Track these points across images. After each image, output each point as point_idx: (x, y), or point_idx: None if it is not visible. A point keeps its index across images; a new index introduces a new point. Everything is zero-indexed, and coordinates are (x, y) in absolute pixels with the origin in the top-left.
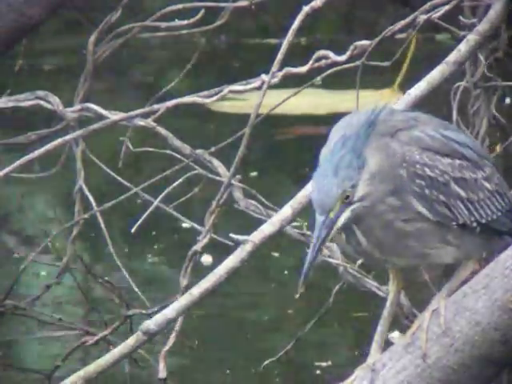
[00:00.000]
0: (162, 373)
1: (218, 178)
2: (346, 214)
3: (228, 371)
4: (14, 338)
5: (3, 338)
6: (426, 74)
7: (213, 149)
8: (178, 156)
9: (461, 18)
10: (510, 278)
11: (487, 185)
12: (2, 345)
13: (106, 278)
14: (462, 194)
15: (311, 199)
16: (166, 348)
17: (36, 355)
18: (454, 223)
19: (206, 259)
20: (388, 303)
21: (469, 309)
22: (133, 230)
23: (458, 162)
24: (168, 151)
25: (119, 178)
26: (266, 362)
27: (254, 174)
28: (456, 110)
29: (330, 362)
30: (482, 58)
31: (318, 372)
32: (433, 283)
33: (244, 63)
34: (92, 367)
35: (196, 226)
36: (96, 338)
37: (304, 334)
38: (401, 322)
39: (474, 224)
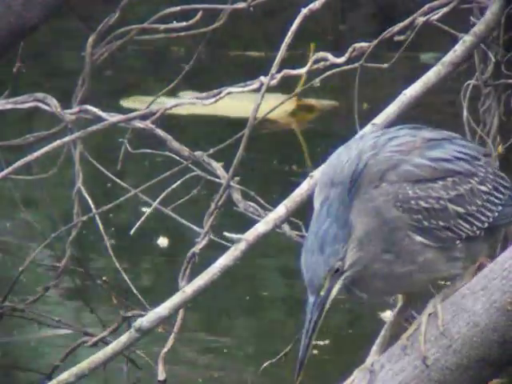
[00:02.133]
0: (162, 375)
1: (216, 179)
2: (338, 285)
3: (227, 373)
4: (13, 338)
5: (2, 339)
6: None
7: (211, 151)
8: (177, 158)
9: (471, 18)
10: (509, 279)
11: (483, 188)
12: (1, 345)
13: (105, 279)
14: (461, 210)
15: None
16: (165, 350)
17: (35, 356)
18: (458, 241)
19: (162, 241)
20: (396, 310)
21: (467, 310)
22: (132, 232)
23: (450, 180)
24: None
25: (118, 180)
26: (265, 365)
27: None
28: (466, 108)
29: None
30: (491, 55)
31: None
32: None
33: (226, 74)
34: (85, 364)
35: (195, 228)
36: (95, 339)
37: None
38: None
39: (478, 232)
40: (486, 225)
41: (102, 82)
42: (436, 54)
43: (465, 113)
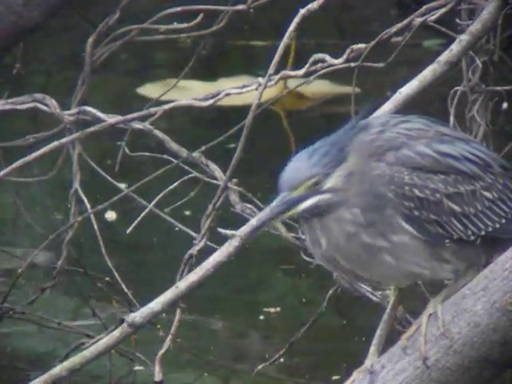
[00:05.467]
0: (158, 376)
1: (214, 181)
2: (311, 201)
3: (222, 375)
4: (12, 339)
5: (2, 340)
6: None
7: (203, 148)
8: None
9: (457, 20)
10: (509, 279)
11: (487, 194)
12: (1, 346)
13: (107, 279)
14: (457, 209)
15: (279, 181)
16: (162, 351)
17: (34, 357)
18: (448, 240)
19: (110, 215)
20: (389, 307)
21: (468, 310)
22: (128, 231)
23: (452, 177)
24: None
25: (113, 181)
26: (260, 367)
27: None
28: (453, 115)
29: None
30: (479, 62)
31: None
32: (425, 287)
33: (231, 65)
34: (77, 358)
35: (191, 233)
36: (93, 340)
37: None
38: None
39: (472, 237)
40: (483, 232)
41: None
42: (440, 41)
43: (452, 119)
